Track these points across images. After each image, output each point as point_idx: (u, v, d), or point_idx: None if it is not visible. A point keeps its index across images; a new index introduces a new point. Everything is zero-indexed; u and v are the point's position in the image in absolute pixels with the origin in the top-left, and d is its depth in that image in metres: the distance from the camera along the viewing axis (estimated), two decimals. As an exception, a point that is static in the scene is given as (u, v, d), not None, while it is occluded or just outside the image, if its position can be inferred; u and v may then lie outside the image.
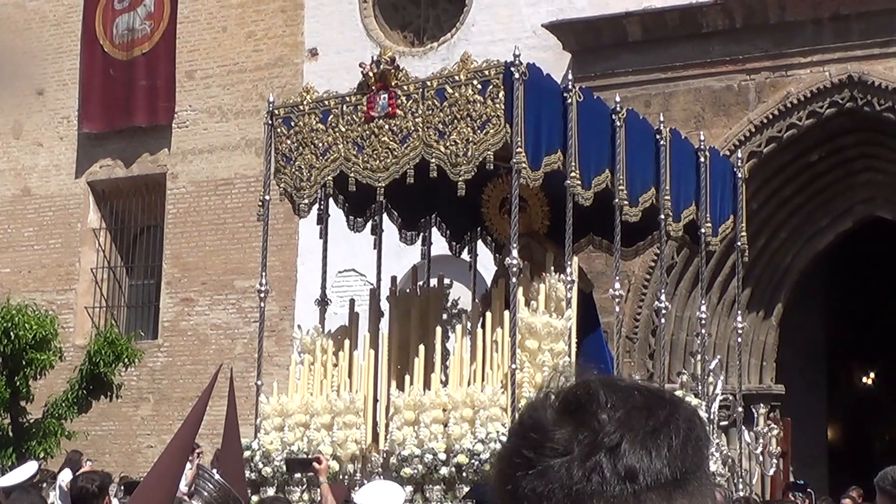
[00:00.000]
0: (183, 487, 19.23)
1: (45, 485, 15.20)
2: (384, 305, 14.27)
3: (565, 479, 1.44)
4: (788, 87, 20.48)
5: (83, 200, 26.80)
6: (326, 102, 13.08)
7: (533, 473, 1.46)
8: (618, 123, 13.11)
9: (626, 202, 13.13)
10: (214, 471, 16.03)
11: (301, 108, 13.16)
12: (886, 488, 6.71)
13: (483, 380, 12.11)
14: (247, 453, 12.81)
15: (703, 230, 14.44)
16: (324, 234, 14.19)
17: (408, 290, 14.64)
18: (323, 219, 14.05)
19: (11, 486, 10.25)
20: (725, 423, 14.25)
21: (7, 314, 21.57)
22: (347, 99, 12.94)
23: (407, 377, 12.47)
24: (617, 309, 13.55)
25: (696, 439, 1.49)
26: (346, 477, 12.29)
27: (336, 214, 14.24)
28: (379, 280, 14.73)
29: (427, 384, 12.31)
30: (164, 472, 6.52)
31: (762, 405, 17.88)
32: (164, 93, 25.79)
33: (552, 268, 12.82)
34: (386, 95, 12.60)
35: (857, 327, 25.80)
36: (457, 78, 12.32)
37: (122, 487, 18.02)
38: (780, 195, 21.25)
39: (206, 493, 9.09)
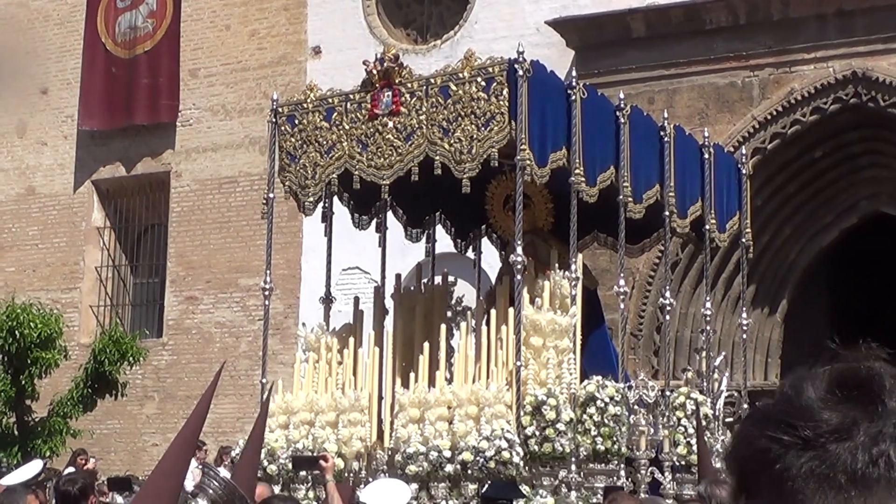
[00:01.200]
0: (189, 486, 19.22)
1: (49, 483, 15.18)
2: (389, 303, 14.28)
3: (850, 463, 1.42)
4: (792, 83, 20.45)
5: (87, 199, 26.80)
6: (330, 100, 13.08)
7: (812, 455, 1.43)
8: (622, 120, 13.11)
9: (630, 199, 13.13)
10: (221, 468, 16.03)
11: (305, 105, 13.17)
12: None
13: (488, 377, 12.11)
14: (252, 451, 12.81)
15: (707, 227, 14.44)
16: (328, 232, 14.19)
17: (412, 288, 14.64)
18: (327, 216, 14.05)
19: (16, 485, 10.24)
20: (731, 419, 14.23)
21: (12, 313, 21.58)
22: (351, 96, 12.94)
23: (412, 375, 12.47)
24: (622, 306, 13.54)
25: None
26: (352, 475, 12.30)
27: (340, 212, 14.25)
28: (383, 278, 14.74)
29: (432, 382, 12.32)
30: (169, 471, 6.51)
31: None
32: (167, 91, 25.78)
33: (557, 265, 12.83)
34: (390, 93, 12.61)
35: (862, 323, 25.76)
36: (461, 75, 12.33)
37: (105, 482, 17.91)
38: (784, 192, 21.22)
39: (210, 492, 9.08)
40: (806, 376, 1.51)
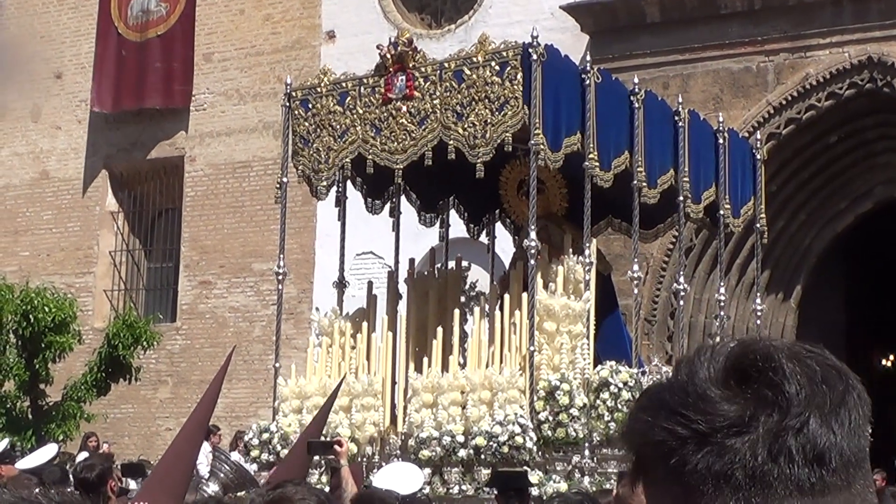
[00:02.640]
0: (204, 470, 19.31)
1: (65, 467, 15.22)
2: (402, 288, 14.27)
3: (748, 459, 1.35)
4: (807, 68, 20.38)
5: (101, 183, 26.84)
6: (344, 84, 13.06)
7: (708, 450, 1.36)
8: (636, 105, 13.07)
9: (644, 184, 13.10)
10: (234, 453, 16.10)
11: (319, 90, 13.15)
12: None
13: (501, 362, 12.10)
14: (265, 435, 12.84)
15: (722, 212, 14.40)
16: (342, 217, 14.18)
17: (426, 273, 14.63)
18: (341, 201, 14.04)
19: (32, 469, 10.28)
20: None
21: (26, 297, 21.62)
22: (365, 81, 12.92)
23: (425, 359, 12.47)
24: (635, 291, 13.52)
25: (866, 414, 1.41)
26: (365, 459, 12.30)
27: (354, 197, 14.24)
28: (397, 262, 14.73)
29: (445, 366, 12.31)
30: (180, 454, 6.52)
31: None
32: (180, 75, 25.78)
33: (570, 250, 12.81)
34: (404, 77, 12.58)
35: (877, 309, 25.73)
36: (475, 59, 12.30)
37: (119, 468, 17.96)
38: (799, 177, 21.17)
39: (221, 475, 9.10)
40: (699, 360, 1.42)
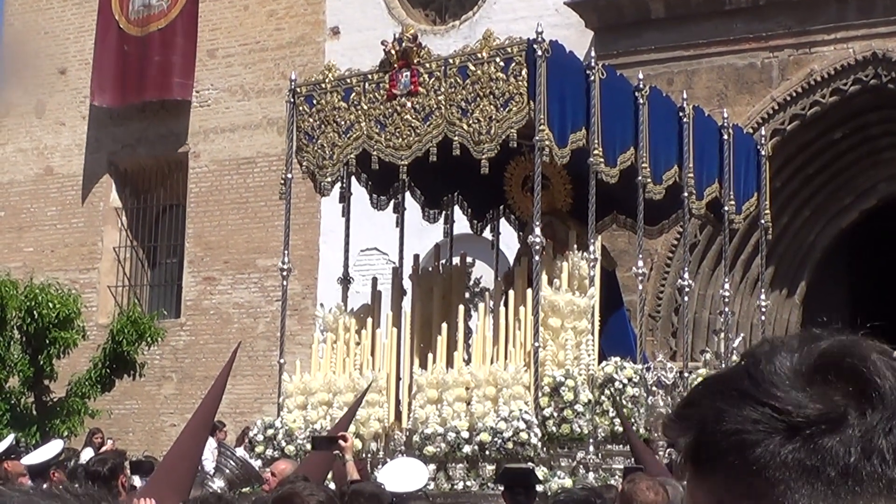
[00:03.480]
0: (210, 467, 19.31)
1: (70, 463, 15.25)
2: (407, 284, 14.27)
3: (842, 457, 1.33)
4: (812, 64, 20.37)
5: (105, 180, 26.85)
6: (349, 80, 13.06)
7: (799, 444, 1.34)
8: (641, 101, 13.07)
9: (649, 180, 13.09)
10: (239, 449, 16.09)
11: (323, 86, 13.14)
12: None
13: (506, 358, 12.10)
14: (269, 431, 12.84)
15: (726, 208, 14.39)
16: (346, 213, 14.18)
17: (430, 269, 14.63)
18: (345, 197, 14.04)
19: (37, 465, 10.29)
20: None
21: (30, 293, 21.63)
22: (370, 77, 12.92)
23: (430, 355, 12.48)
24: (640, 287, 13.51)
25: None
26: (369, 455, 12.30)
27: (358, 193, 14.23)
28: (401, 258, 14.72)
29: (450, 362, 12.32)
30: (185, 451, 6.53)
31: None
32: (180, 69, 25.76)
33: (575, 246, 12.81)
34: (408, 73, 12.58)
35: (881, 306, 25.70)
36: (479, 55, 12.29)
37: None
38: (803, 173, 21.16)
39: (227, 471, 9.09)
40: (783, 353, 1.40)
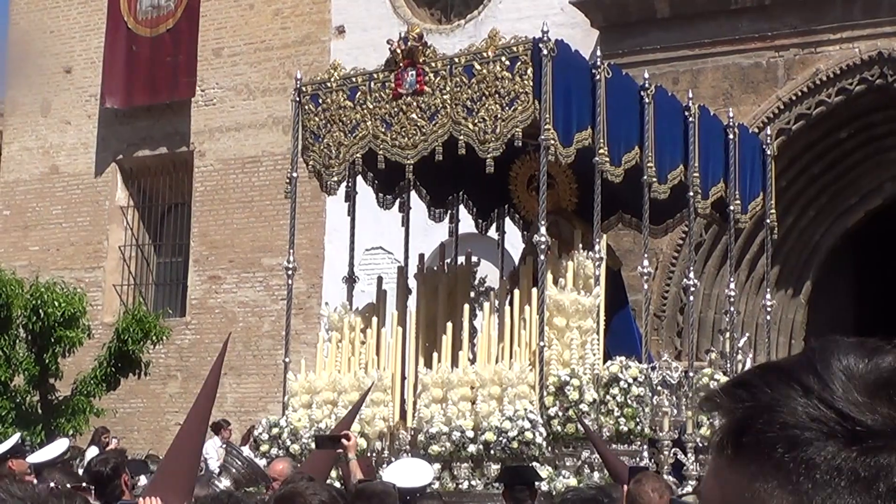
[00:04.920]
0: (214, 465, 19.31)
1: (75, 462, 15.26)
2: (412, 283, 14.27)
3: (892, 472, 1.31)
4: (818, 63, 20.35)
5: (111, 178, 26.86)
6: (354, 79, 13.06)
7: (856, 453, 1.31)
8: (646, 100, 13.05)
9: (654, 179, 13.08)
10: (245, 448, 16.08)
11: (329, 85, 13.14)
12: None
13: (511, 357, 12.10)
14: (275, 430, 12.84)
15: (732, 207, 14.38)
16: (352, 212, 14.18)
17: (435, 268, 14.63)
18: (351, 196, 14.04)
19: (43, 463, 10.28)
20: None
21: (36, 292, 21.64)
22: (375, 76, 12.92)
23: (435, 355, 12.48)
24: (645, 287, 13.50)
25: None
26: (374, 454, 12.30)
27: (363, 192, 14.23)
28: (406, 257, 14.73)
29: (455, 362, 12.31)
30: (185, 449, 6.52)
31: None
32: (185, 68, 25.79)
33: (580, 245, 12.80)
34: (414, 72, 12.58)
35: (886, 305, 25.69)
36: (485, 54, 12.29)
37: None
38: (808, 173, 21.14)
39: (233, 471, 9.09)
40: (851, 355, 1.38)
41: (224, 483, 7.57)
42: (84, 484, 8.15)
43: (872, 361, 1.37)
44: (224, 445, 20.78)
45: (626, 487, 6.56)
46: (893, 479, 1.32)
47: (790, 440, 1.34)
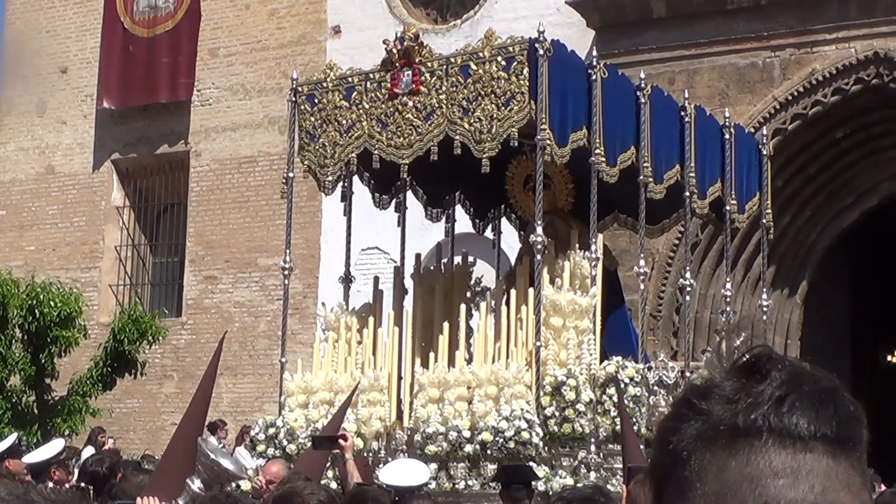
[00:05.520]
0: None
1: (71, 462, 15.25)
2: (408, 283, 14.26)
3: (730, 421, 1.43)
4: (814, 63, 20.36)
5: (107, 178, 26.85)
6: (350, 79, 13.06)
7: (700, 420, 1.45)
8: (642, 100, 13.06)
9: (650, 179, 13.09)
10: (241, 447, 16.00)
11: (325, 85, 13.14)
12: None
13: (507, 357, 12.10)
14: (271, 430, 12.84)
15: (728, 207, 14.39)
16: (348, 212, 14.18)
17: (432, 268, 14.63)
18: (347, 196, 14.04)
19: (39, 463, 10.29)
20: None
21: (32, 292, 21.63)
22: (371, 76, 12.92)
23: (431, 355, 12.47)
24: (641, 287, 13.50)
25: (860, 419, 1.48)
26: (371, 454, 12.30)
27: (359, 192, 14.23)
28: (403, 257, 14.72)
29: (451, 362, 12.31)
30: (180, 448, 6.52)
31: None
32: (184, 69, 25.80)
33: (577, 245, 12.80)
34: (410, 72, 12.57)
35: (883, 305, 25.71)
36: (481, 54, 12.29)
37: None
38: (804, 172, 21.15)
39: (201, 468, 8.99)
40: (717, 358, 1.52)
41: (196, 484, 7.49)
42: (83, 484, 8.16)
43: (730, 357, 1.52)
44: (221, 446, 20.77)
45: (626, 487, 6.55)
46: (727, 421, 1.44)
47: (672, 431, 1.48)
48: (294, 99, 13.33)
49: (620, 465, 11.66)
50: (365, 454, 12.14)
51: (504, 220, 15.43)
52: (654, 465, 1.51)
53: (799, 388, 1.45)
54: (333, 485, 10.56)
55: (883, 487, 17.83)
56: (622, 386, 11.87)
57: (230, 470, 7.32)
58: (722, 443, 1.43)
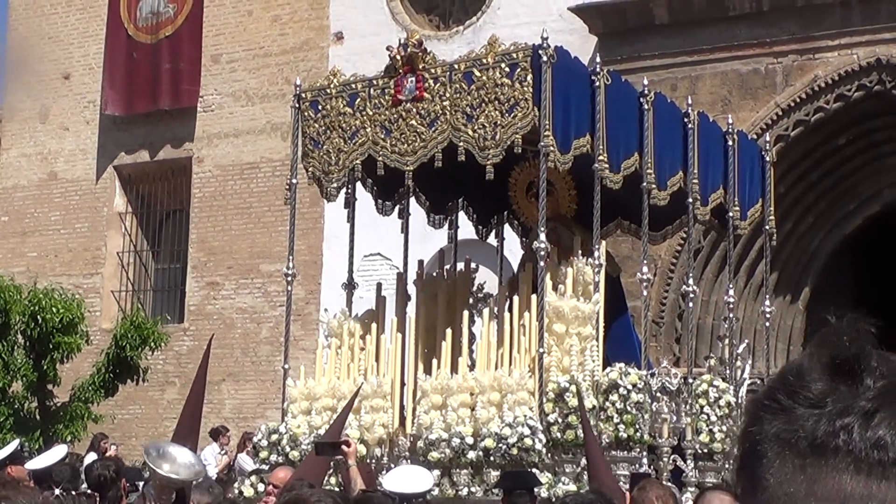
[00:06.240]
0: (213, 472, 19.29)
1: (77, 466, 15.23)
2: (411, 289, 14.26)
3: (811, 429, 1.38)
4: (816, 70, 20.37)
5: (109, 184, 26.86)
6: (354, 86, 13.05)
7: (783, 418, 1.40)
8: (646, 107, 13.05)
9: (654, 186, 13.08)
10: (244, 454, 15.84)
11: (328, 91, 13.14)
12: None
13: (510, 364, 12.09)
14: (274, 437, 12.84)
15: (731, 214, 14.38)
16: (351, 218, 14.17)
17: (434, 274, 14.63)
18: (350, 203, 14.04)
19: (41, 469, 10.29)
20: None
21: (34, 298, 21.64)
22: (375, 82, 12.91)
23: (434, 361, 12.46)
24: (644, 293, 13.50)
25: None
26: (374, 461, 12.30)
27: (361, 198, 14.22)
28: (406, 264, 14.72)
29: (454, 368, 12.30)
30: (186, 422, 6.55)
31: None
32: (187, 76, 25.81)
33: (580, 252, 12.80)
34: (413, 79, 12.57)
35: (885, 312, 25.69)
36: (485, 61, 12.28)
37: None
38: (807, 179, 21.15)
39: (152, 485, 8.86)
40: (805, 354, 1.46)
41: (205, 499, 7.48)
42: (89, 491, 8.16)
43: (822, 352, 1.45)
44: (223, 452, 20.76)
45: (629, 494, 6.55)
46: (809, 431, 1.38)
47: (753, 422, 1.43)
48: (298, 105, 13.33)
49: (623, 472, 11.66)
50: (368, 460, 12.13)
51: (507, 226, 15.43)
52: (740, 444, 1.47)
53: (892, 405, 1.37)
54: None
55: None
56: (626, 391, 11.87)
57: (172, 478, 7.29)
58: (796, 451, 1.38)
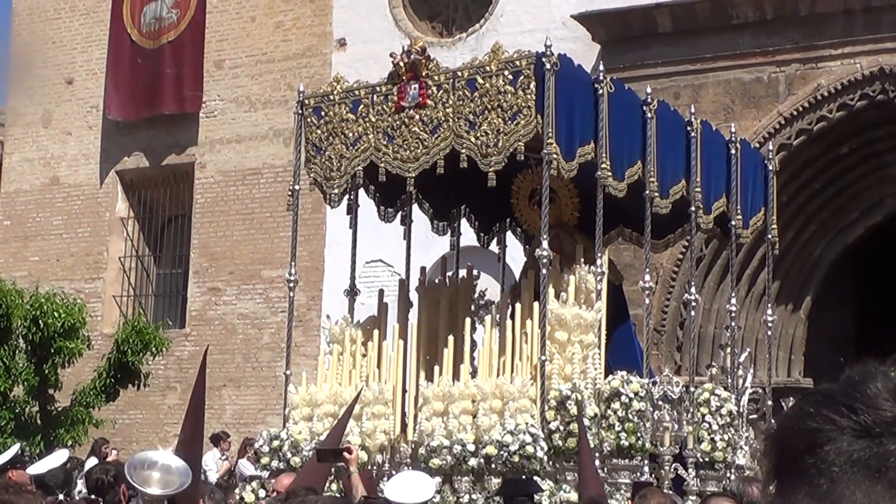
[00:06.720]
0: (213, 477, 19.28)
1: (74, 473, 15.23)
2: (413, 296, 14.26)
3: (893, 457, 1.37)
4: (819, 79, 20.37)
5: (112, 189, 26.87)
6: (357, 92, 13.05)
7: (866, 443, 1.38)
8: (649, 115, 13.06)
9: (656, 194, 13.08)
10: (244, 459, 15.81)
11: (331, 97, 13.14)
12: None
13: (512, 371, 12.09)
14: (275, 443, 12.83)
15: (733, 222, 14.39)
16: (353, 225, 14.17)
17: (437, 281, 14.62)
18: (352, 209, 14.04)
19: (44, 474, 10.28)
20: (755, 416, 14.20)
21: (36, 302, 21.63)
22: (378, 89, 12.91)
23: (436, 368, 12.46)
24: (646, 301, 13.49)
25: None
26: (375, 468, 12.29)
27: (363, 205, 14.22)
28: (408, 270, 14.72)
29: (456, 375, 12.30)
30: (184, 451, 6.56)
31: (791, 399, 17.78)
32: (190, 81, 25.82)
33: (582, 259, 12.80)
34: (416, 85, 12.57)
35: (887, 321, 25.68)
36: (488, 68, 12.29)
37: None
38: (809, 188, 21.15)
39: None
40: (877, 369, 1.45)
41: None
42: (91, 496, 8.15)
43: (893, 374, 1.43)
44: (224, 458, 20.74)
45: (631, 503, 6.55)
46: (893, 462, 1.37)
47: (811, 444, 1.40)
48: (301, 111, 13.33)
49: (625, 481, 11.66)
50: (369, 467, 12.12)
51: (509, 233, 15.43)
52: (784, 462, 1.44)
53: None
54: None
55: None
56: (628, 400, 11.86)
57: (157, 494, 7.26)
58: (888, 481, 1.38)
